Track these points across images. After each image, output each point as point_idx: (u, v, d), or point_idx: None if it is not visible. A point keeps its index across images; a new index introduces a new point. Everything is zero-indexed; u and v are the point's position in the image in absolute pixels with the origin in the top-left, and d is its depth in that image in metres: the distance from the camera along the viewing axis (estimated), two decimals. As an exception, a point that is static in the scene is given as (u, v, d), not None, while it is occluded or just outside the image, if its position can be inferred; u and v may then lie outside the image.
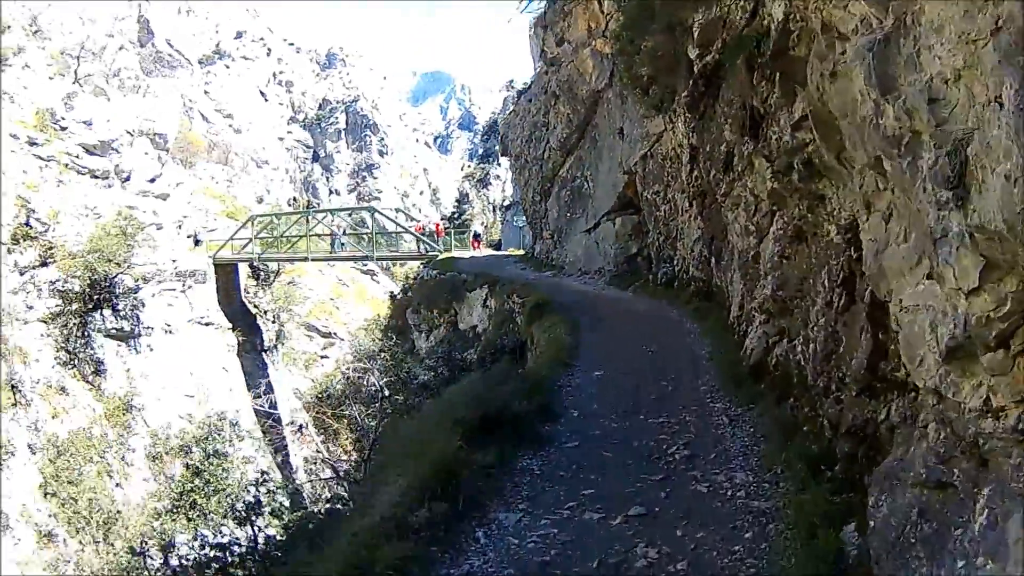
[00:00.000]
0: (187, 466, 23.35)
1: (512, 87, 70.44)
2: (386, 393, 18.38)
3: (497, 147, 53.17)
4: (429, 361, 19.82)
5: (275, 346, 39.21)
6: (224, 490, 20.17)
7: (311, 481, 23.69)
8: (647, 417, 8.75)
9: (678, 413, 8.82)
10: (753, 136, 8.91)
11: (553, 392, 9.85)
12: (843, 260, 6.17)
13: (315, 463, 28.74)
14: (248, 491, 13.98)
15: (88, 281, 27.02)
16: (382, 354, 27.33)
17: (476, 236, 43.15)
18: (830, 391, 6.60)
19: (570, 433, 8.45)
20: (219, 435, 24.16)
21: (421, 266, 32.65)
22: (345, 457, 25.87)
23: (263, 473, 15.04)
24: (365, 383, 25.39)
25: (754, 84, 8.53)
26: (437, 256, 31.43)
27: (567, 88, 25.50)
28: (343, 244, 37.08)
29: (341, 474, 17.03)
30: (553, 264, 27.64)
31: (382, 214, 37.17)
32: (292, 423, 34.04)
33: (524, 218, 34.00)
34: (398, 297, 35.53)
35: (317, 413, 31.95)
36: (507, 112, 44.82)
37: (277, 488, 13.94)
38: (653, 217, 19.71)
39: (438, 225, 41.10)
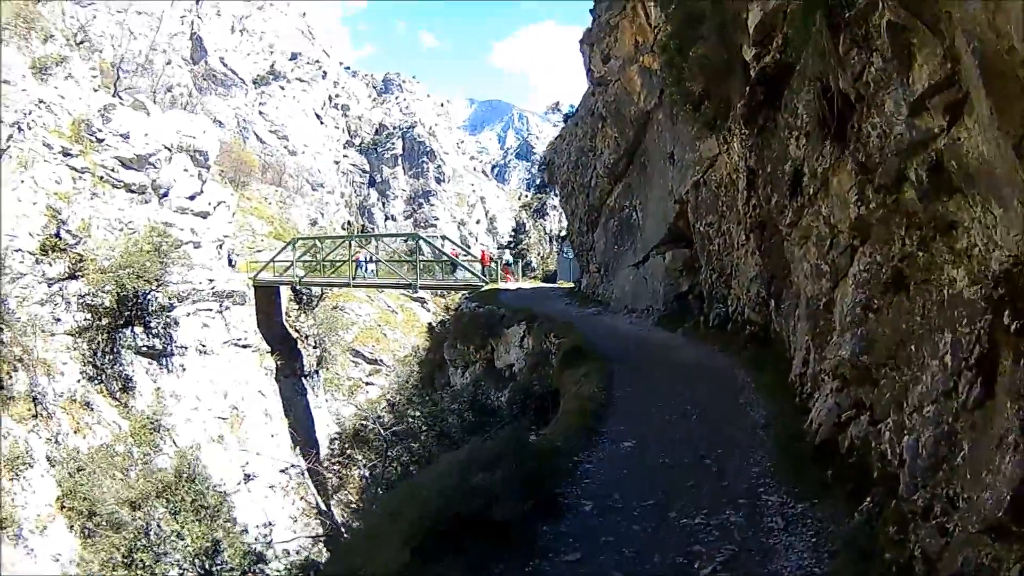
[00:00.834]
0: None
1: (559, 110, 68.98)
2: (391, 440, 16.60)
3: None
4: (455, 405, 17.94)
5: (316, 371, 38.04)
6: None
7: (292, 539, 21.88)
8: (680, 515, 6.58)
9: (720, 509, 6.67)
10: (837, 137, 6.30)
11: (565, 474, 7.82)
12: (981, 327, 3.86)
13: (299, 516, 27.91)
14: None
15: (118, 296, 26.13)
16: (410, 393, 25.90)
17: (507, 265, 41.18)
18: (933, 514, 4.33)
19: (575, 539, 6.14)
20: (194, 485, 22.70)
21: (463, 297, 31.24)
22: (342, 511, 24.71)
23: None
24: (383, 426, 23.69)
25: (840, 53, 5.80)
26: (482, 287, 30.00)
27: (614, 109, 23.79)
28: (369, 271, 35.48)
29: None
30: (599, 299, 26.10)
31: (427, 242, 35.91)
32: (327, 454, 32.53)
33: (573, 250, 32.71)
34: (436, 330, 34.07)
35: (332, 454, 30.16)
36: (555, 138, 43.15)
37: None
38: (706, 251, 17.72)
39: (484, 253, 39.40)
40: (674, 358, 15.37)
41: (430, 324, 39.21)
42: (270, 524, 22.85)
